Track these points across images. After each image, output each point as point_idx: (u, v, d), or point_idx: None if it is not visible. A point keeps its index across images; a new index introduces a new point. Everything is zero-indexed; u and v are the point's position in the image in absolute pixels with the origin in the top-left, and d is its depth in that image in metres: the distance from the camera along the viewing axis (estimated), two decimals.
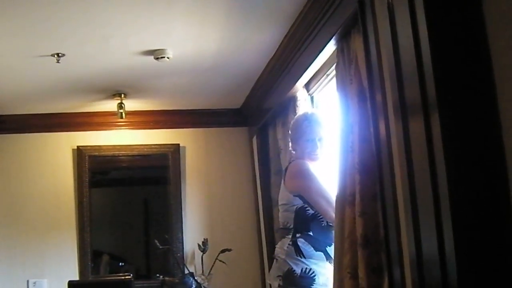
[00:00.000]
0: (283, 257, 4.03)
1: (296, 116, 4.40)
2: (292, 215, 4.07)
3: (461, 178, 2.09)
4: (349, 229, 3.33)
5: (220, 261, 6.06)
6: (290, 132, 4.37)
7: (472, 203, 2.07)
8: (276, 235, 5.59)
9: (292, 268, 3.96)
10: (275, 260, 4.19)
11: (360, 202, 3.18)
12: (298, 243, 3.99)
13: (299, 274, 3.94)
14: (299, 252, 3.97)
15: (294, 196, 4.08)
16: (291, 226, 4.07)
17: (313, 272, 3.93)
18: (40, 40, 4.34)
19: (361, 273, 3.16)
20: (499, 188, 2.04)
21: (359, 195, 3.20)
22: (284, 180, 4.25)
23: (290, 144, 4.40)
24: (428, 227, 2.24)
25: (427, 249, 2.28)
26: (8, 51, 4.51)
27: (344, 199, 3.41)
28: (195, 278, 6.01)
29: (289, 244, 4.03)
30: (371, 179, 3.14)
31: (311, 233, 3.99)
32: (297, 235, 4.02)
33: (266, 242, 5.95)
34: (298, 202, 4.05)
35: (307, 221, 4.00)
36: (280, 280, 4.03)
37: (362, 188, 3.19)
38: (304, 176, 4.11)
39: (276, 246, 4.33)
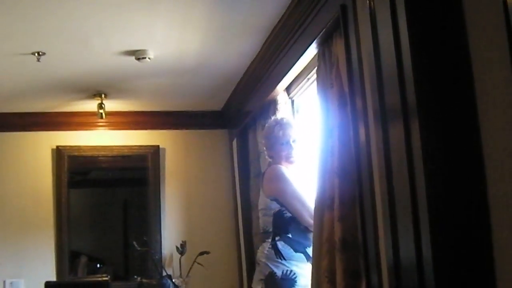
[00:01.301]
0: (264, 260, 4.08)
1: (267, 124, 4.44)
2: (271, 219, 4.12)
3: (440, 184, 2.10)
4: (327, 233, 3.34)
5: (198, 263, 6.04)
6: (264, 140, 4.43)
7: (450, 209, 2.08)
8: (256, 238, 5.60)
9: (273, 271, 4.01)
10: (256, 264, 4.24)
11: (339, 207, 3.19)
12: (278, 245, 4.04)
13: (280, 276, 3.99)
14: (279, 254, 4.02)
15: (271, 200, 4.15)
16: (271, 230, 4.12)
17: (294, 273, 3.97)
18: (21, 38, 4.31)
19: (339, 277, 3.17)
20: (478, 195, 2.05)
21: (338, 199, 3.20)
22: (262, 186, 4.32)
23: (265, 152, 4.43)
24: (406, 232, 2.25)
25: (404, 254, 2.28)
26: None
27: (323, 203, 3.42)
28: (173, 280, 5.99)
29: (269, 248, 4.08)
30: (350, 184, 3.14)
31: (290, 235, 4.04)
32: (276, 238, 4.07)
33: (245, 245, 5.94)
34: (275, 206, 4.11)
35: (285, 224, 4.05)
36: (262, 283, 4.08)
37: (341, 192, 3.19)
38: (279, 179, 4.16)
39: (257, 250, 4.37)
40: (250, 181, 5.79)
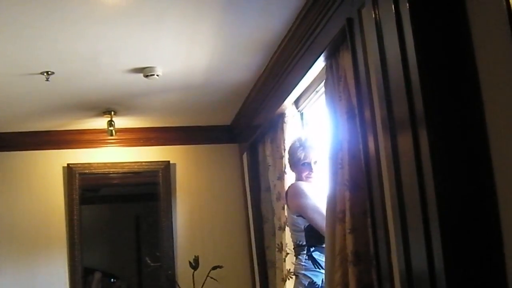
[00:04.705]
0: (303, 271, 4.21)
1: (292, 142, 4.53)
2: (301, 234, 4.24)
3: (450, 193, 2.10)
4: (339, 246, 3.33)
5: (212, 278, 6.03)
6: (288, 156, 4.55)
7: (461, 219, 2.08)
8: (268, 251, 5.62)
9: (313, 280, 4.15)
10: (295, 276, 4.34)
11: (351, 219, 3.18)
12: (314, 256, 4.19)
13: (320, 285, 4.11)
14: (316, 264, 4.17)
15: (297, 216, 4.26)
16: (304, 243, 4.24)
17: None
18: (29, 58, 4.33)
19: None
20: (488, 203, 2.05)
21: (349, 212, 3.20)
22: (286, 203, 4.47)
23: (288, 167, 4.58)
24: (417, 243, 2.24)
25: (417, 265, 2.28)
26: None
27: (335, 216, 3.42)
28: None
29: (305, 259, 4.21)
30: (361, 196, 3.14)
31: (324, 246, 4.08)
32: (312, 249, 4.20)
33: (257, 258, 5.93)
34: (302, 221, 4.22)
35: (318, 235, 4.12)
36: None
37: (352, 204, 3.19)
38: (300, 196, 4.28)
39: (293, 263, 4.48)
40: (261, 194, 5.80)
